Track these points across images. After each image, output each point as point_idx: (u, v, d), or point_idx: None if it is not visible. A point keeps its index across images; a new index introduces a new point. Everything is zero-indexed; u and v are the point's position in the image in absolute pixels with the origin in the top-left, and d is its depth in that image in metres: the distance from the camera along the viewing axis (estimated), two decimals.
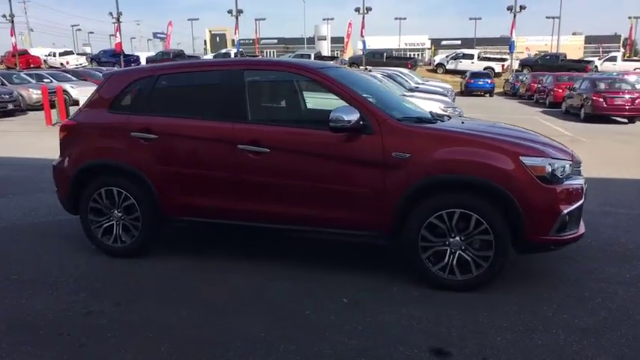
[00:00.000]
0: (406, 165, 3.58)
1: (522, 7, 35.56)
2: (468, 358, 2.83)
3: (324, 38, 63.12)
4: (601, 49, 60.69)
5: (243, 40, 65.93)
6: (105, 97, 4.38)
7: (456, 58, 37.83)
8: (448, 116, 4.30)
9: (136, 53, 46.41)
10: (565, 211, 3.53)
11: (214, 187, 4.03)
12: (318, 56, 40.76)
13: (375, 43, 61.16)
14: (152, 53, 46.67)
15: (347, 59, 41.91)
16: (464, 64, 36.38)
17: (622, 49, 67.46)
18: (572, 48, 61.20)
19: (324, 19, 66.42)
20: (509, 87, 30.68)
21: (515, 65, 36.34)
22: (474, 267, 3.60)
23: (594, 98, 15.87)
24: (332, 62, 36.95)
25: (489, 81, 29.23)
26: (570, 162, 3.69)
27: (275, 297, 3.62)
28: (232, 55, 40.09)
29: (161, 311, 3.42)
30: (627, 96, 16.04)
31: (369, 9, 39.09)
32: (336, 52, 60.44)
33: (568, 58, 37.21)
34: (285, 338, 3.05)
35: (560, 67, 33.25)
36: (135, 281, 3.91)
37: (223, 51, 44.32)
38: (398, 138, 3.63)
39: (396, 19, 64.18)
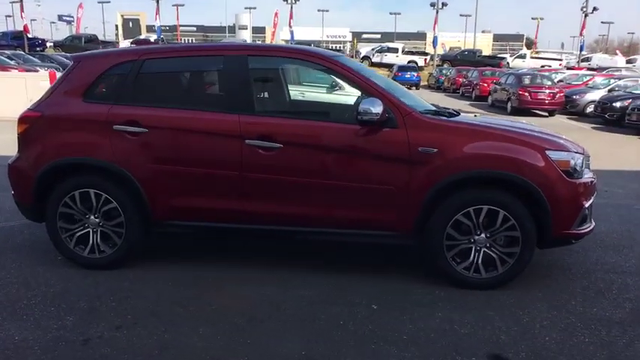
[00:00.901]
0: (433, 160, 3.39)
1: (444, 4, 37.11)
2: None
3: (245, 27, 61.79)
4: (508, 47, 65.13)
5: (160, 26, 62.44)
6: (77, 84, 3.74)
7: (381, 51, 38.60)
8: (456, 111, 4.16)
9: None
10: (586, 205, 3.54)
11: (217, 186, 3.59)
12: None
13: (297, 34, 60.99)
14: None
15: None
16: (389, 58, 37.25)
17: (525, 47, 73.00)
18: (482, 45, 64.98)
19: (245, 8, 65.12)
20: (433, 80, 31.85)
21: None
22: (500, 264, 3.51)
23: (520, 92, 16.87)
24: None
25: (416, 74, 30.13)
26: (583, 155, 3.71)
27: (297, 307, 3.29)
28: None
29: (174, 332, 2.96)
30: (548, 91, 17.24)
31: None
32: (258, 42, 59.55)
33: (484, 54, 39.39)
34: (332, 355, 2.75)
35: (477, 63, 35.11)
36: (126, 298, 3.39)
37: (142, 37, 41.70)
38: (424, 132, 3.43)
39: (319, 10, 64.43)
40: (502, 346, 2.87)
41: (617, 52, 57.87)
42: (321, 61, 3.69)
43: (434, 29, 37.07)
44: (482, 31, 77.01)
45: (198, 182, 3.60)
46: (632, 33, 71.27)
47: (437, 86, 30.72)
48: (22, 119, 3.79)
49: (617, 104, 15.13)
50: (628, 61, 36.64)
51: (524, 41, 76.40)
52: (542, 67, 34.74)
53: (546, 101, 17.14)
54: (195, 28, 78.03)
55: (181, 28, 68.87)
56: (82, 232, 3.76)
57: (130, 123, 3.58)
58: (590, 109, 17.00)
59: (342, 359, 2.72)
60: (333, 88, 5.60)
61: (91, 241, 3.76)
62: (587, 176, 3.65)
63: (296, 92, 4.26)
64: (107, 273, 3.73)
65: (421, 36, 78.12)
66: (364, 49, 43.18)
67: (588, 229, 3.67)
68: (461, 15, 61.52)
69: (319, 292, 3.49)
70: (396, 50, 38.30)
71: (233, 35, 60.86)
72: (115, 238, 3.74)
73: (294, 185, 3.52)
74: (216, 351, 2.78)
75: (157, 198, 3.63)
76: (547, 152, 3.43)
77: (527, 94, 16.79)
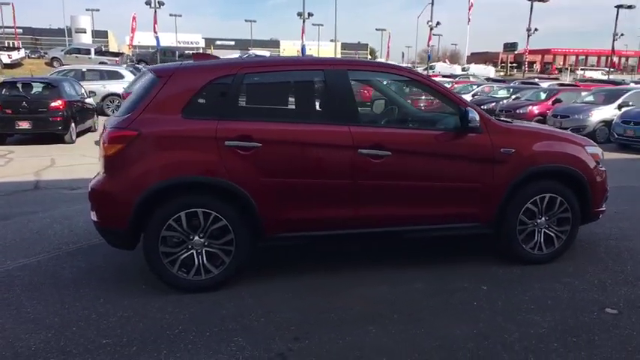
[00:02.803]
0: (511, 159, 4.03)
1: (310, 14, 38.90)
2: (631, 309, 3.49)
3: (83, 31, 57.10)
4: (357, 56, 70.30)
5: None
6: (173, 100, 3.56)
7: None
8: (505, 120, 4.84)
9: None
10: (608, 187, 4.52)
11: (330, 195, 3.76)
12: (100, 51, 36.65)
13: (146, 39, 58.11)
14: None
15: (131, 55, 38.61)
16: None
17: (369, 56, 79.68)
18: (331, 53, 69.35)
19: (87, 10, 59.98)
20: None
21: None
22: (556, 241, 4.30)
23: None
24: (117, 59, 33.76)
25: None
26: None
27: (427, 299, 3.63)
28: None
29: (353, 335, 3.11)
30: (424, 97, 19.43)
31: (161, 3, 36.87)
32: (101, 47, 55.30)
33: None
34: (498, 330, 3.20)
35: None
36: (268, 313, 3.38)
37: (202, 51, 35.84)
38: (502, 136, 4.06)
39: (171, 15, 62.05)
40: (602, 301, 3.61)
41: (446, 60, 66.54)
42: (410, 75, 4.12)
43: (302, 38, 38.71)
44: (331, 40, 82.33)
45: (311, 193, 3.72)
46: (455, 44, 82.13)
47: None
48: (115, 139, 3.48)
49: (484, 107, 17.81)
50: (462, 69, 42.51)
51: (369, 50, 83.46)
52: None
53: (425, 106, 19.31)
54: (21, 30, 69.60)
55: (5, 29, 60.79)
56: (186, 254, 3.60)
57: (242, 138, 3.55)
58: None
59: (508, 332, 3.18)
60: None
61: (196, 263, 3.62)
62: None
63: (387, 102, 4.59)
64: (216, 294, 3.63)
65: (274, 43, 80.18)
66: (228, 56, 43.05)
67: (605, 207, 4.67)
68: (313, 24, 64.91)
69: (430, 284, 3.89)
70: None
71: (70, 39, 55.79)
72: (223, 256, 3.66)
73: (401, 188, 3.87)
74: (407, 342, 3.04)
75: (270, 212, 3.65)
76: (586, 147, 4.32)
77: (409, 100, 18.73)
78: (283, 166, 3.67)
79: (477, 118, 3.82)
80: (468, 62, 58.92)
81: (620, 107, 13.33)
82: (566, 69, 55.88)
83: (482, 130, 4.00)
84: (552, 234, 4.29)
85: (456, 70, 40.36)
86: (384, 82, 4.74)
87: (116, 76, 16.52)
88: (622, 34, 39.03)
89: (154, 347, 2.94)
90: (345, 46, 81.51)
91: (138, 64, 30.97)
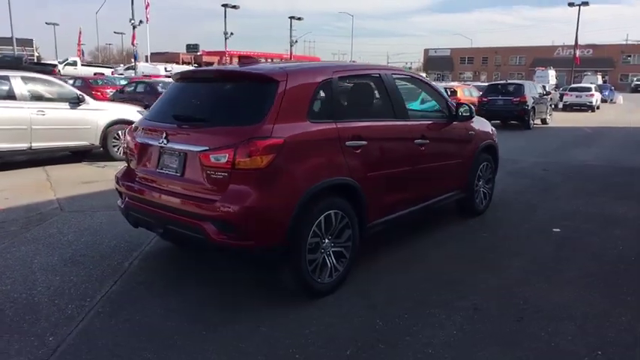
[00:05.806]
0: (472, 139, 5.44)
1: None
2: (564, 228, 5.39)
3: None
4: (26, 52, 60.24)
5: None
6: (296, 104, 3.42)
7: None
8: None
9: None
10: None
11: (403, 180, 4.33)
12: None
13: None
14: None
15: None
16: None
17: (36, 53, 69.85)
18: None
19: None
20: None
21: None
22: (488, 196, 5.98)
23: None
24: None
25: None
26: None
27: (466, 254, 4.61)
28: None
29: (488, 290, 3.88)
30: None
31: None
32: None
33: (35, 61, 35.95)
34: (536, 258, 4.54)
35: (25, 70, 31.88)
36: (412, 299, 3.74)
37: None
38: (468, 123, 5.39)
39: None
40: (543, 228, 5.40)
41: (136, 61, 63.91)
42: (421, 78, 4.96)
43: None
44: None
45: (393, 181, 4.20)
46: (137, 43, 79.64)
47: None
48: (267, 149, 3.13)
49: None
50: (165, 69, 42.32)
51: (35, 46, 72.39)
52: (96, 74, 35.40)
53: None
54: None
55: None
56: (321, 258, 3.59)
57: (355, 138, 3.75)
58: None
59: (540, 258, 4.53)
60: None
61: (329, 265, 3.64)
62: None
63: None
64: (337, 296, 3.72)
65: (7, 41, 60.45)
66: None
67: None
68: None
69: (452, 243, 4.89)
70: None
71: None
72: (345, 253, 3.78)
73: (433, 168, 4.75)
74: (515, 279, 4.02)
75: (371, 202, 3.94)
76: (491, 127, 6.12)
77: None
78: (379, 159, 4.02)
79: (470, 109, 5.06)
80: (153, 61, 58.54)
81: None
82: None
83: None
84: (486, 191, 5.94)
85: (160, 70, 39.83)
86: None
87: None
88: (296, 41, 46.87)
89: (397, 349, 3.05)
90: (2, 41, 68.40)
91: None
